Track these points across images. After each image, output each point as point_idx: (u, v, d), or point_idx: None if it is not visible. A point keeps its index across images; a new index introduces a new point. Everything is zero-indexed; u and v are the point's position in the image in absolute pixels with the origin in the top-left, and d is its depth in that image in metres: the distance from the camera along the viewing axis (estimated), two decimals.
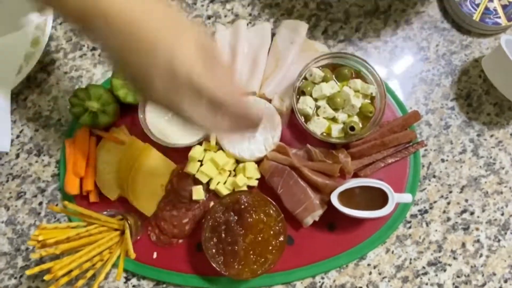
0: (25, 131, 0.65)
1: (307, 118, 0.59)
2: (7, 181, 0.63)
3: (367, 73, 0.59)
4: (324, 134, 0.58)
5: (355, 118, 0.59)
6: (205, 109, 0.34)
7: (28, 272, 0.43)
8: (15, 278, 0.60)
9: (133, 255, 0.47)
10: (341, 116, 0.58)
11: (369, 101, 0.59)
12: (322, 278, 0.59)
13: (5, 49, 0.66)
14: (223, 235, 0.53)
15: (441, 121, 0.63)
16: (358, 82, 0.58)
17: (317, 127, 0.57)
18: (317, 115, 0.58)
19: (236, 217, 0.53)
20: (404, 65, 0.65)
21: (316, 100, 0.59)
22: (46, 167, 0.63)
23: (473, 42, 0.66)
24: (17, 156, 0.64)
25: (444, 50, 0.66)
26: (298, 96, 0.59)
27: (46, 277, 0.42)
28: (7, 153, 0.64)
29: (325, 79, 0.59)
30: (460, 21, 0.66)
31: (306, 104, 0.57)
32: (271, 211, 0.54)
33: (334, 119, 0.59)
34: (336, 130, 0.58)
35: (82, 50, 0.67)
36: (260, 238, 0.53)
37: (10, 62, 0.65)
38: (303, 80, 0.59)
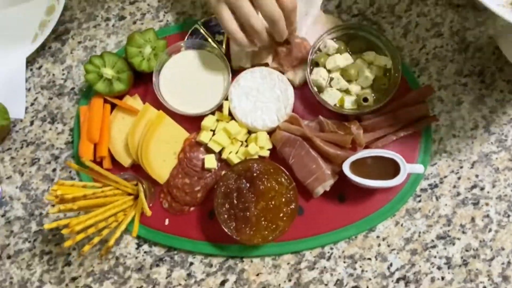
0: (39, 99, 0.65)
1: (320, 89, 0.59)
2: (22, 147, 0.64)
3: (382, 45, 0.59)
4: (337, 105, 0.58)
5: (368, 90, 0.59)
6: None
7: (46, 227, 0.44)
8: (29, 242, 0.61)
9: (149, 212, 0.48)
10: (355, 88, 0.58)
11: (383, 74, 0.59)
12: (331, 248, 0.59)
13: (20, 17, 0.67)
14: (235, 201, 0.53)
15: (453, 97, 0.63)
16: (371, 54, 0.58)
17: (330, 98, 0.57)
18: (330, 86, 0.58)
19: (248, 184, 0.54)
20: (417, 41, 0.65)
21: (329, 71, 0.59)
22: (60, 135, 0.64)
23: (488, 19, 0.66)
24: (31, 123, 0.65)
25: (458, 26, 0.66)
26: (311, 67, 0.59)
27: (64, 231, 0.43)
28: (21, 120, 0.65)
29: (339, 51, 0.59)
30: None
31: (319, 75, 0.58)
32: (283, 180, 0.54)
33: (347, 91, 0.59)
34: (349, 102, 0.58)
35: (96, 20, 0.68)
36: (271, 205, 0.53)
37: (25, 30, 0.66)
38: (317, 52, 0.60)
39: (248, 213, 0.53)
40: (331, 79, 0.59)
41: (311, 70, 0.59)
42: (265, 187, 0.53)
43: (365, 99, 0.56)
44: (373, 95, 0.58)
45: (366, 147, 0.60)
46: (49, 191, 0.63)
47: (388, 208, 0.59)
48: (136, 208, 0.52)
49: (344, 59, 0.58)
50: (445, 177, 0.61)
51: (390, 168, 0.55)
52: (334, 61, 0.58)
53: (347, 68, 0.58)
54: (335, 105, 0.58)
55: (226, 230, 0.53)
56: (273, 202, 0.53)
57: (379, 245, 0.59)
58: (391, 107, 0.60)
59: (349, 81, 0.59)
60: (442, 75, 0.64)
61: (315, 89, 0.58)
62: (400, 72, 0.57)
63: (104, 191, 0.49)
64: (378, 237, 0.60)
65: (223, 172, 0.59)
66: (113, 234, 0.48)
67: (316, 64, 0.59)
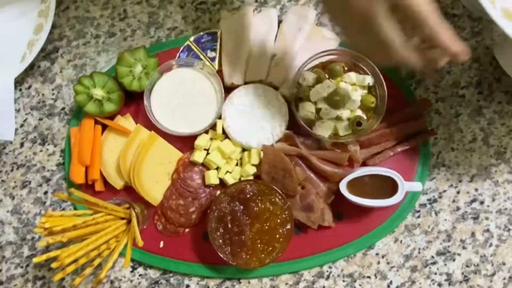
0: (29, 120, 0.64)
1: (311, 123, 0.56)
2: (12, 170, 0.62)
3: (360, 64, 0.57)
4: (332, 135, 0.56)
5: (359, 112, 0.56)
6: (398, 26, 0.36)
7: (35, 260, 0.43)
8: (21, 267, 0.60)
9: (140, 242, 0.46)
10: (345, 113, 0.55)
11: (368, 92, 0.57)
12: (330, 267, 0.58)
13: (7, 36, 0.65)
14: (229, 225, 0.52)
15: (451, 110, 0.62)
16: (352, 75, 0.56)
17: (323, 130, 0.55)
18: (320, 118, 0.56)
19: (241, 207, 0.53)
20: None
21: (315, 103, 0.56)
22: (51, 156, 0.63)
23: (484, 29, 0.65)
24: (22, 145, 0.63)
25: None
26: (296, 104, 0.56)
27: (54, 265, 0.41)
28: (11, 142, 0.63)
29: (319, 80, 0.56)
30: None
31: (306, 110, 0.55)
32: (277, 200, 0.53)
33: (338, 118, 0.56)
34: (342, 128, 0.55)
35: (85, 38, 0.66)
36: (267, 227, 0.52)
37: (13, 50, 0.64)
38: (298, 86, 0.57)
39: (243, 237, 0.51)
40: (319, 110, 0.56)
41: (296, 107, 0.56)
42: (259, 208, 0.52)
43: (359, 123, 0.54)
44: (364, 115, 0.56)
45: (363, 163, 0.59)
46: (41, 214, 0.61)
47: (387, 225, 0.58)
48: (128, 234, 0.50)
49: (326, 87, 0.55)
50: (444, 191, 0.60)
51: (388, 186, 0.54)
52: (317, 91, 0.55)
53: (331, 95, 0.55)
54: (330, 135, 0.56)
55: (221, 255, 0.52)
56: (268, 224, 0.52)
57: (378, 262, 0.58)
58: (388, 122, 0.59)
59: (337, 108, 0.55)
60: (439, 87, 0.63)
61: (306, 124, 0.55)
62: (384, 86, 0.54)
63: (95, 218, 0.47)
64: (377, 254, 0.59)
65: (218, 192, 0.58)
66: (105, 264, 0.46)
67: (300, 99, 0.57)
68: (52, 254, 0.43)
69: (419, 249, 0.59)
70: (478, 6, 0.63)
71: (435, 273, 0.58)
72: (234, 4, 0.66)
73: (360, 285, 0.58)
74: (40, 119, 0.64)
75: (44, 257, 0.43)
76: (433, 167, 0.61)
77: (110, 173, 0.58)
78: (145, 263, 0.58)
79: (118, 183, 0.58)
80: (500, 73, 0.63)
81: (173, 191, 0.58)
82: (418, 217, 0.59)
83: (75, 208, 0.60)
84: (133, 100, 0.62)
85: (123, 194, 0.59)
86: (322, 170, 0.56)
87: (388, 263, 0.58)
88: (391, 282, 0.58)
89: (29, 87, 0.65)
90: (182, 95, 0.59)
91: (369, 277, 0.58)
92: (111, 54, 0.66)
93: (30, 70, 0.65)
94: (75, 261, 0.44)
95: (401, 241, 0.59)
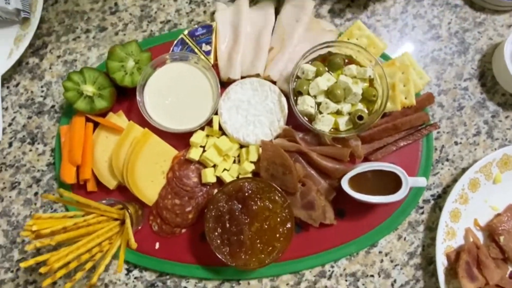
0: (18, 118, 0.61)
1: (311, 118, 0.54)
2: (0, 171, 0.60)
3: (360, 56, 0.55)
4: (332, 129, 0.54)
5: (360, 106, 0.54)
6: None
7: (23, 265, 0.40)
8: (12, 271, 0.57)
9: (134, 245, 0.44)
10: (345, 107, 0.54)
11: (369, 85, 0.55)
12: (332, 266, 0.56)
13: None
14: (228, 224, 0.50)
15: (454, 102, 0.61)
16: (353, 68, 0.54)
17: (323, 125, 0.53)
18: (320, 112, 0.54)
19: (240, 206, 0.51)
20: (415, 44, 0.62)
21: (315, 97, 0.54)
22: (41, 156, 0.60)
23: (487, 19, 0.63)
24: (10, 145, 0.61)
25: (456, 27, 0.63)
26: (295, 98, 0.54)
27: (42, 270, 0.39)
28: None
29: (318, 73, 0.54)
30: None
31: (306, 104, 0.53)
32: (277, 197, 0.51)
33: (338, 112, 0.54)
34: (343, 123, 0.54)
35: (75, 33, 0.64)
36: (266, 226, 0.50)
37: None
38: (296, 79, 0.55)
39: (242, 236, 0.49)
40: (319, 104, 0.54)
41: (295, 101, 0.54)
42: (258, 207, 0.50)
43: (360, 117, 0.52)
44: (365, 109, 0.54)
45: (366, 158, 0.57)
46: (31, 216, 0.59)
47: (390, 222, 0.56)
48: (122, 236, 0.48)
49: (326, 81, 0.53)
50: (448, 186, 0.58)
51: (392, 181, 0.52)
52: (317, 85, 0.53)
53: (332, 89, 0.53)
54: (330, 130, 0.54)
55: (219, 256, 0.50)
56: (268, 223, 0.50)
57: (381, 261, 0.57)
58: (390, 116, 0.57)
59: (337, 101, 0.54)
60: (442, 79, 0.61)
61: (305, 119, 0.53)
62: (387, 79, 0.53)
63: (87, 220, 0.45)
64: (380, 252, 0.57)
65: (215, 191, 0.56)
66: (98, 267, 0.44)
67: (299, 93, 0.54)
68: (40, 258, 0.41)
69: (424, 246, 0.57)
70: None
71: None
72: None
73: (363, 284, 0.56)
74: (29, 118, 0.61)
75: (31, 261, 0.41)
76: (436, 161, 0.59)
77: (102, 172, 0.56)
78: (140, 266, 0.56)
79: (111, 183, 0.56)
80: None
81: (168, 190, 0.56)
82: (422, 213, 0.58)
83: (66, 210, 0.58)
84: (125, 97, 0.59)
85: (117, 194, 0.57)
86: (323, 166, 0.54)
87: (391, 261, 0.57)
88: (395, 281, 0.56)
89: (17, 84, 0.62)
90: (176, 91, 0.57)
91: (372, 276, 0.56)
92: (102, 49, 0.63)
93: (18, 66, 0.63)
94: (65, 264, 0.41)
95: (404, 238, 0.57)
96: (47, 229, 0.40)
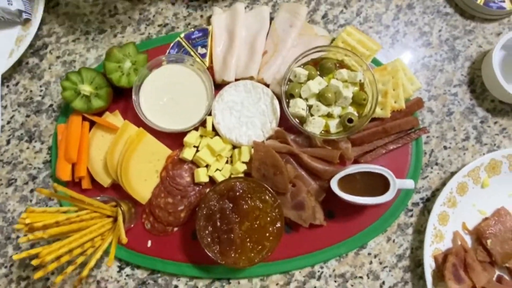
0: (16, 116, 0.63)
1: (302, 120, 0.56)
2: None
3: (352, 61, 0.56)
4: (323, 132, 0.55)
5: (350, 109, 0.56)
6: None
7: (15, 257, 0.41)
8: (5, 267, 0.58)
9: (124, 239, 0.45)
10: (336, 110, 0.55)
11: (360, 89, 0.56)
12: (321, 267, 0.57)
13: None
14: (218, 223, 0.51)
15: (444, 108, 0.62)
16: (344, 72, 0.55)
17: (314, 127, 0.54)
18: (311, 115, 0.55)
19: (231, 205, 0.52)
20: (406, 51, 0.64)
21: (306, 100, 0.56)
22: (38, 154, 0.61)
23: (476, 27, 0.65)
24: (8, 142, 0.62)
25: (447, 35, 0.64)
26: (287, 100, 0.56)
27: (34, 262, 0.40)
28: None
29: (310, 77, 0.56)
30: (464, 5, 0.64)
31: (297, 106, 0.54)
32: (267, 197, 0.52)
33: (329, 115, 0.55)
34: (334, 125, 0.55)
35: (75, 34, 0.65)
36: (256, 225, 0.51)
37: (0, 46, 0.63)
38: (288, 83, 0.56)
39: (232, 235, 0.50)
40: (310, 107, 0.55)
41: (287, 103, 0.55)
42: (249, 206, 0.51)
43: (350, 120, 0.53)
44: (355, 112, 0.56)
45: (355, 161, 0.58)
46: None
47: (379, 224, 0.57)
48: (114, 233, 0.49)
49: (317, 84, 0.55)
50: (437, 190, 0.59)
51: (380, 183, 0.53)
52: (309, 88, 0.54)
53: (323, 92, 0.55)
54: (321, 133, 0.55)
55: (210, 254, 0.50)
56: (258, 222, 0.51)
57: (370, 262, 0.57)
58: (380, 120, 0.58)
59: (328, 104, 0.55)
60: (432, 85, 0.63)
61: (297, 121, 0.55)
62: (375, 83, 0.54)
63: (80, 216, 0.46)
64: (369, 254, 0.58)
65: (207, 190, 0.57)
66: (88, 263, 0.45)
67: (291, 96, 0.56)
68: (32, 251, 0.42)
69: (412, 248, 0.58)
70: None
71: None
72: (226, 1, 0.66)
73: (352, 285, 0.57)
74: (28, 116, 0.63)
75: (24, 254, 0.41)
76: (425, 165, 0.60)
77: (97, 170, 0.57)
78: (132, 263, 0.57)
79: (105, 181, 0.57)
80: None
81: (161, 189, 0.57)
82: (411, 216, 0.59)
83: (60, 205, 0.59)
84: (122, 97, 0.61)
85: (111, 192, 0.58)
86: (313, 168, 0.55)
87: (380, 263, 0.57)
88: (383, 283, 0.57)
89: (17, 83, 0.64)
90: (171, 91, 0.58)
91: (361, 277, 0.57)
92: (100, 50, 0.65)
93: (18, 66, 0.64)
94: (57, 258, 0.42)
95: (393, 241, 0.58)
96: (40, 222, 0.41)
